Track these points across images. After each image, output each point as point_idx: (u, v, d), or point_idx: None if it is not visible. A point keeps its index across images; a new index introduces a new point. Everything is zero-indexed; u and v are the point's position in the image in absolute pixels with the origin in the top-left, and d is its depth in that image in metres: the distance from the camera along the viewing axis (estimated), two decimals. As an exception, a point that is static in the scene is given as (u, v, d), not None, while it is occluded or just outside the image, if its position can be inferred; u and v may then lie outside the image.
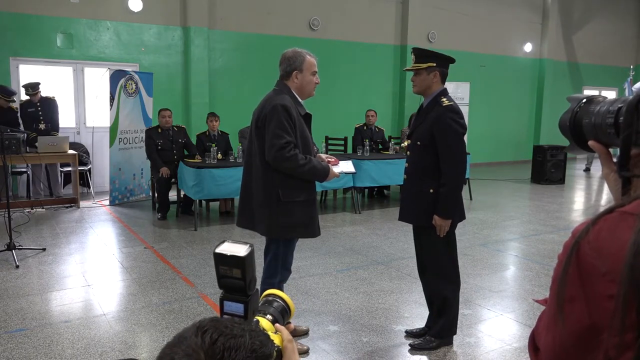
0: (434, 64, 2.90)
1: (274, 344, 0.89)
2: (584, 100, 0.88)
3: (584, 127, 0.86)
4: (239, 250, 0.93)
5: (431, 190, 2.92)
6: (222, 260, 0.94)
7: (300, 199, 2.87)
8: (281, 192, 2.82)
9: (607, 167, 0.82)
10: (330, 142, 8.31)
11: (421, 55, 2.94)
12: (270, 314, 0.99)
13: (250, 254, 0.94)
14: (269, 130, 2.75)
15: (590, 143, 0.84)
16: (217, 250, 0.94)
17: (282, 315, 1.02)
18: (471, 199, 8.01)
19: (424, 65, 2.90)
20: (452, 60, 3.01)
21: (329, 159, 3.08)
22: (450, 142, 2.84)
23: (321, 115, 8.83)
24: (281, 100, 2.80)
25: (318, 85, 2.98)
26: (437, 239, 2.97)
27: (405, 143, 3.12)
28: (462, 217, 3.04)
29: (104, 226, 6.19)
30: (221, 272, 0.95)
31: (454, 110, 2.88)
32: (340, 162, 3.18)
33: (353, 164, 3.06)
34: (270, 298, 1.04)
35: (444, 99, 2.91)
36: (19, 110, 7.23)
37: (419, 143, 2.94)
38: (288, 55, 2.90)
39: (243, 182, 3.00)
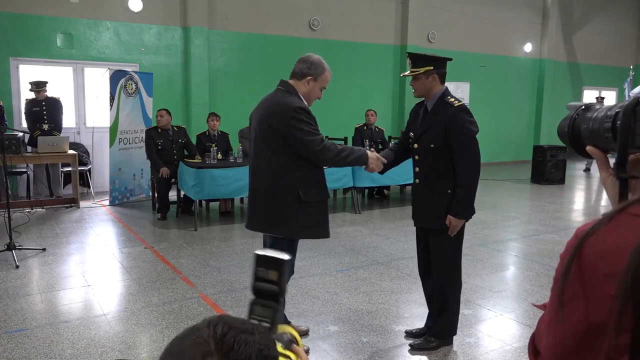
0: (432, 67, 2.89)
1: (279, 351, 0.91)
2: (582, 107, 0.90)
3: (582, 133, 0.87)
4: (281, 254, 0.97)
5: (449, 191, 2.91)
6: (261, 261, 0.95)
7: (318, 198, 2.88)
8: (302, 192, 2.82)
9: (605, 171, 0.83)
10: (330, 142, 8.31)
11: (418, 59, 2.91)
12: (282, 341, 1.03)
13: (289, 262, 0.97)
14: (300, 131, 2.74)
15: (588, 148, 0.85)
16: (258, 252, 0.96)
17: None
18: (471, 199, 7.99)
19: (422, 70, 2.89)
20: (449, 59, 3.00)
21: None
22: (468, 142, 2.83)
23: (321, 115, 8.81)
24: (298, 102, 2.81)
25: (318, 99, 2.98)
26: (448, 241, 2.97)
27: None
28: (472, 212, 3.05)
29: (104, 226, 6.19)
30: (257, 274, 0.96)
31: (466, 111, 2.88)
32: None
33: None
34: (280, 333, 1.08)
35: (452, 99, 2.90)
36: (24, 108, 7.27)
37: (432, 146, 2.91)
38: (312, 60, 2.90)
39: (252, 184, 2.98)
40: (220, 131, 7.10)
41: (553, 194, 8.76)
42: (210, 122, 6.97)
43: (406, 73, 2.99)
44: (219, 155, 6.51)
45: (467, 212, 2.91)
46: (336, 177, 6.63)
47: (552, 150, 9.79)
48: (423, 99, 3.03)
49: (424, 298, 3.35)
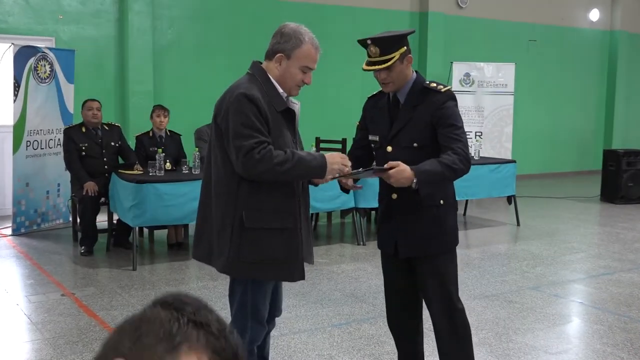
0: (404, 47, 3.00)
1: None
2: None
3: None
4: None
5: (441, 202, 3.00)
6: None
7: (273, 225, 2.83)
8: (245, 214, 2.79)
9: None
10: (322, 145, 8.33)
11: (388, 43, 2.97)
12: None
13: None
14: (232, 128, 2.74)
15: None
16: None
17: None
18: (518, 224, 8.04)
19: (397, 54, 2.96)
20: (413, 31, 3.19)
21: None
22: (463, 136, 2.96)
23: (311, 110, 8.86)
24: (248, 88, 2.79)
25: (305, 85, 2.94)
26: (446, 267, 3.05)
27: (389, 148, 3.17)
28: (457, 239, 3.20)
29: (5, 265, 6.15)
30: None
31: (455, 99, 3.06)
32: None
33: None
34: None
35: (435, 84, 3.06)
36: None
37: (415, 145, 3.01)
38: (285, 30, 2.87)
39: (200, 200, 3.01)
40: (170, 131, 7.11)
41: (631, 217, 8.82)
42: (156, 119, 6.97)
43: (380, 66, 2.96)
44: (168, 164, 6.50)
45: (425, 185, 2.85)
46: (330, 195, 6.63)
47: (630, 157, 9.87)
48: (381, 89, 3.15)
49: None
